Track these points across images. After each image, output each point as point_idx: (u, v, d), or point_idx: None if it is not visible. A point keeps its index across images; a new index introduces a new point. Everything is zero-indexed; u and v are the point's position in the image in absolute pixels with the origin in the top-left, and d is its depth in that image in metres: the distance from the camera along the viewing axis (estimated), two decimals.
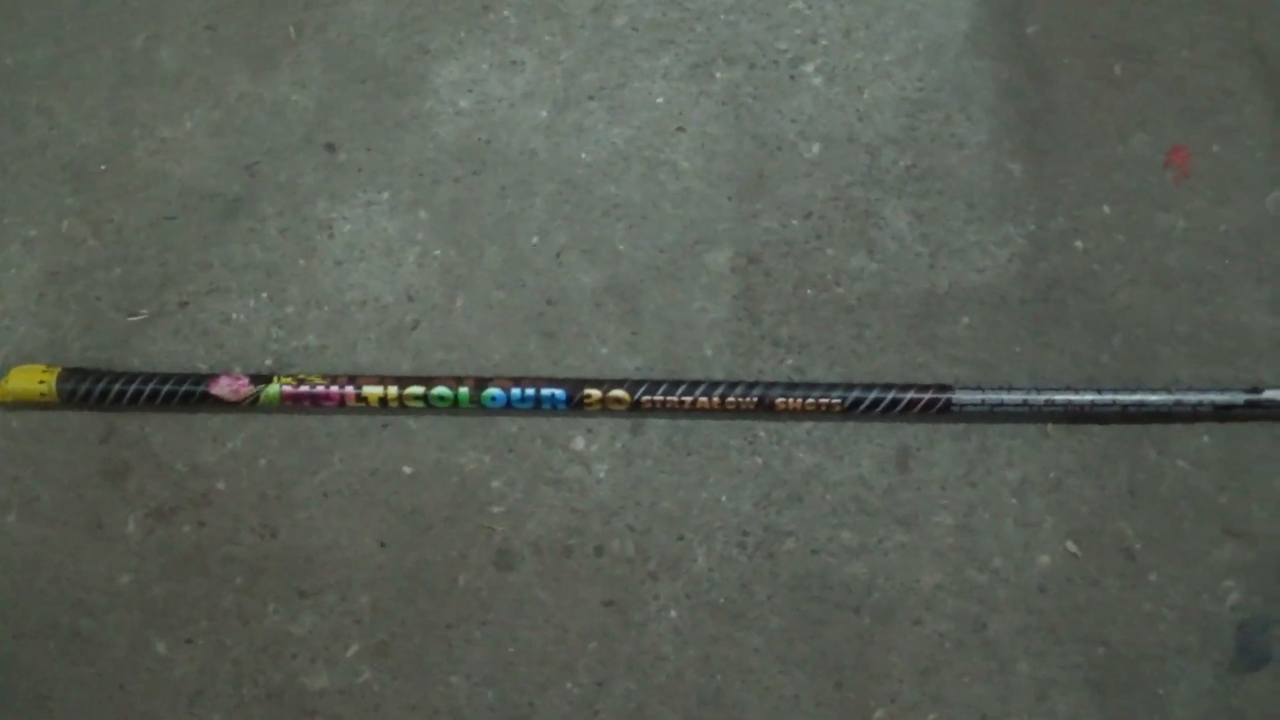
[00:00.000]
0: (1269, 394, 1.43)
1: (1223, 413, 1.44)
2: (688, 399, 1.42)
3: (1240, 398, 1.42)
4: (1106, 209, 1.52)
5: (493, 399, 1.43)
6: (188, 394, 1.44)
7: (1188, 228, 1.52)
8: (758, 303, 1.51)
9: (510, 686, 1.42)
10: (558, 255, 1.53)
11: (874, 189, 1.53)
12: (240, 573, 1.44)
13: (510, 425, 1.47)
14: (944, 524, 1.45)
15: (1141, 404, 1.42)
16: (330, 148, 1.56)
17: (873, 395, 1.42)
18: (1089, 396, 1.42)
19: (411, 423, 1.47)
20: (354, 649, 1.42)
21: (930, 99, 1.56)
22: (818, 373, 1.48)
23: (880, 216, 1.52)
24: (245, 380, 1.43)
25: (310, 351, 1.49)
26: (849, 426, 1.47)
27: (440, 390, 1.43)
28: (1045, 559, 1.43)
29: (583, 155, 1.56)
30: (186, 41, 1.61)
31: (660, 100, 1.57)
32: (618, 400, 1.42)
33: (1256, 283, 1.49)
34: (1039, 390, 1.42)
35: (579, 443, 1.47)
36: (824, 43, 1.58)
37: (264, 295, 1.51)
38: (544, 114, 1.57)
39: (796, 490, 1.46)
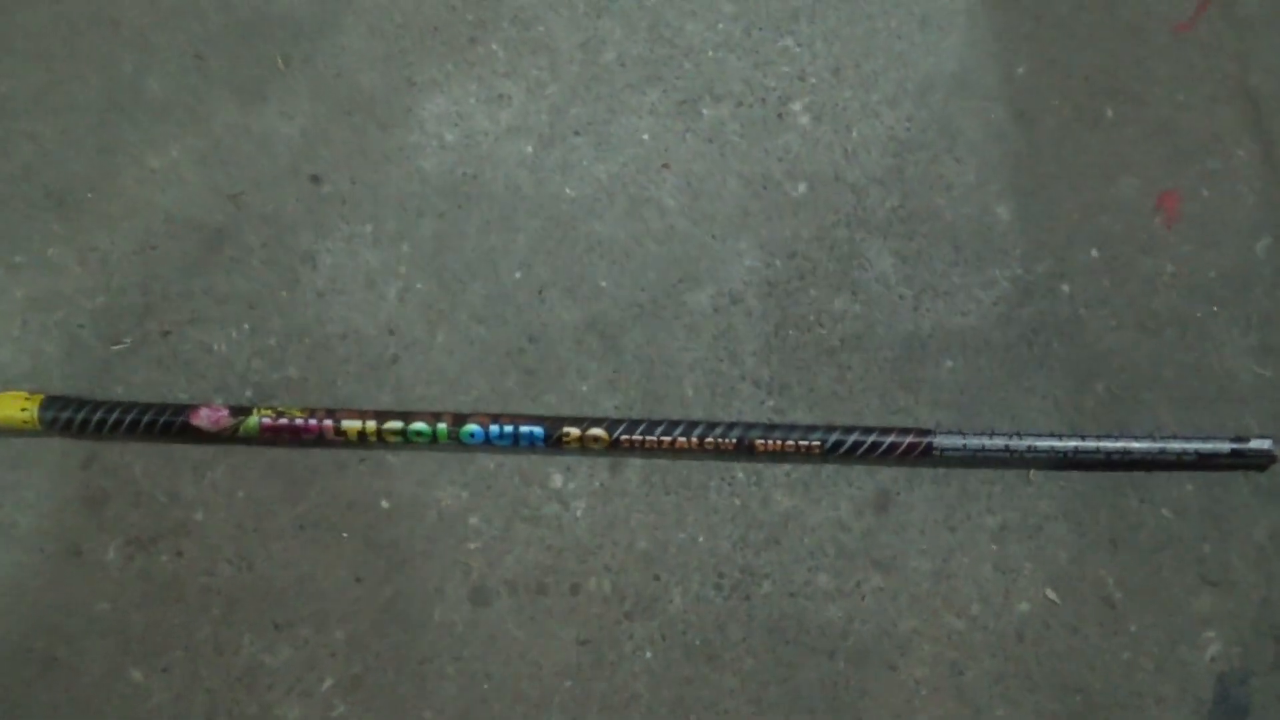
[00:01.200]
0: (1254, 444, 1.38)
1: (1207, 462, 1.39)
2: (666, 439, 1.37)
3: (1225, 447, 1.38)
4: (1094, 252, 1.47)
5: (471, 435, 1.38)
6: (168, 424, 1.39)
7: (1175, 272, 1.47)
8: (739, 343, 1.46)
9: None
10: (540, 291, 1.48)
11: (859, 229, 1.48)
12: (217, 603, 1.40)
13: (488, 461, 1.43)
14: (922, 569, 1.40)
15: (1125, 451, 1.37)
16: (315, 179, 1.51)
17: (853, 438, 1.37)
18: (1072, 443, 1.37)
19: (390, 457, 1.43)
20: (328, 682, 1.38)
21: (918, 139, 1.50)
22: (798, 414, 1.43)
23: (865, 257, 1.47)
24: (225, 412, 1.39)
25: (291, 384, 1.45)
26: (828, 469, 1.42)
27: (418, 426, 1.38)
28: (1024, 606, 1.39)
29: (567, 191, 1.51)
30: (175, 71, 1.56)
31: (646, 137, 1.52)
32: (596, 439, 1.38)
33: (1244, 329, 1.44)
34: (1021, 436, 1.37)
35: (557, 480, 1.42)
36: (812, 81, 1.53)
37: (246, 326, 1.47)
38: (529, 149, 1.52)
39: (774, 532, 1.41)
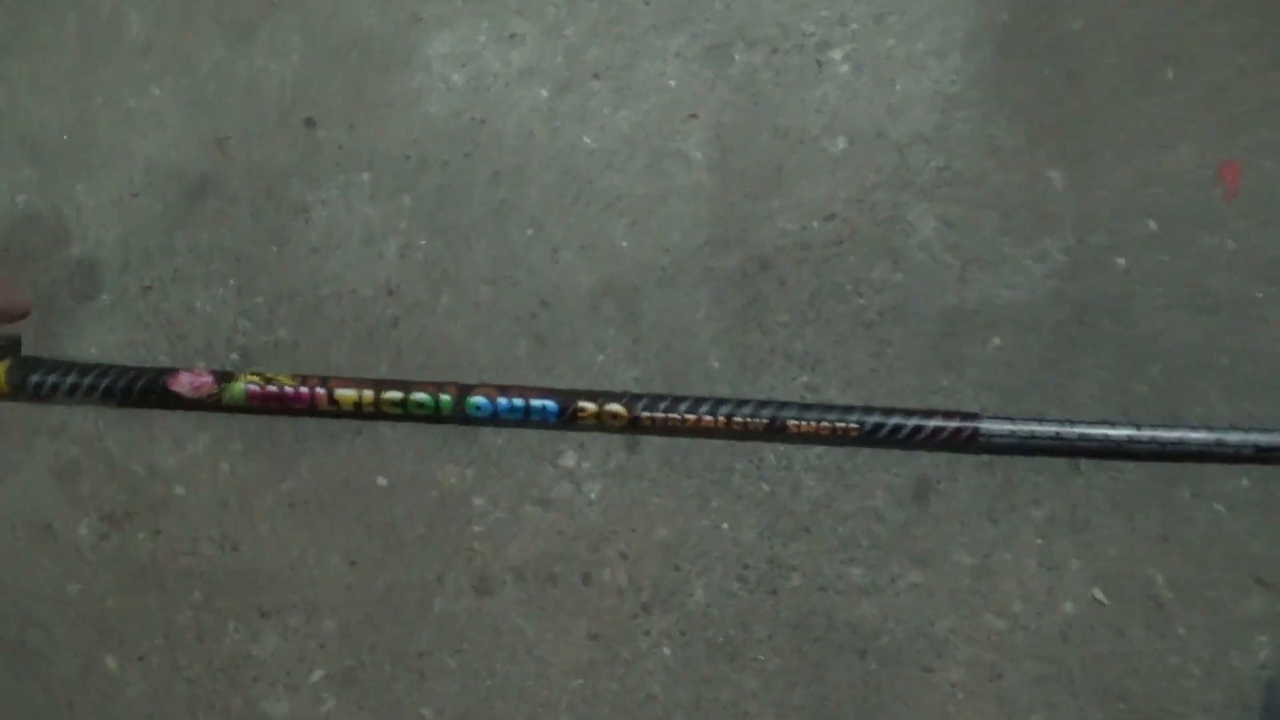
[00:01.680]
0: None
1: (1266, 455, 1.28)
2: (691, 417, 1.26)
3: None
4: (1151, 225, 1.35)
5: (477, 409, 1.26)
6: (146, 389, 1.28)
7: (1235, 249, 1.35)
8: (769, 312, 1.34)
9: None
10: (553, 251, 1.36)
11: (902, 192, 1.36)
12: (198, 587, 1.33)
13: (495, 437, 1.33)
14: (962, 564, 1.31)
15: (1180, 442, 1.26)
16: (309, 123, 1.38)
17: (893, 421, 1.26)
18: (1125, 432, 1.26)
19: (388, 431, 1.33)
20: (318, 675, 1.31)
21: (965, 95, 1.38)
22: (832, 392, 1.33)
23: (907, 223, 1.35)
24: (208, 377, 1.27)
25: (280, 347, 1.34)
26: (863, 453, 1.32)
27: (420, 396, 1.26)
28: (1069, 605, 1.30)
29: (584, 141, 1.38)
30: (156, 8, 1.43)
31: (672, 83, 1.39)
32: (614, 415, 1.26)
33: None
34: (1072, 423, 1.26)
35: (569, 459, 1.32)
36: (854, 27, 1.39)
37: (232, 284, 1.35)
38: (544, 94, 1.39)
39: (804, 521, 1.32)
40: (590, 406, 1.26)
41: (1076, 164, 1.37)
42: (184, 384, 1.27)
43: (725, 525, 1.31)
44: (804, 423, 1.25)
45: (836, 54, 1.39)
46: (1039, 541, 1.31)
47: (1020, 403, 1.32)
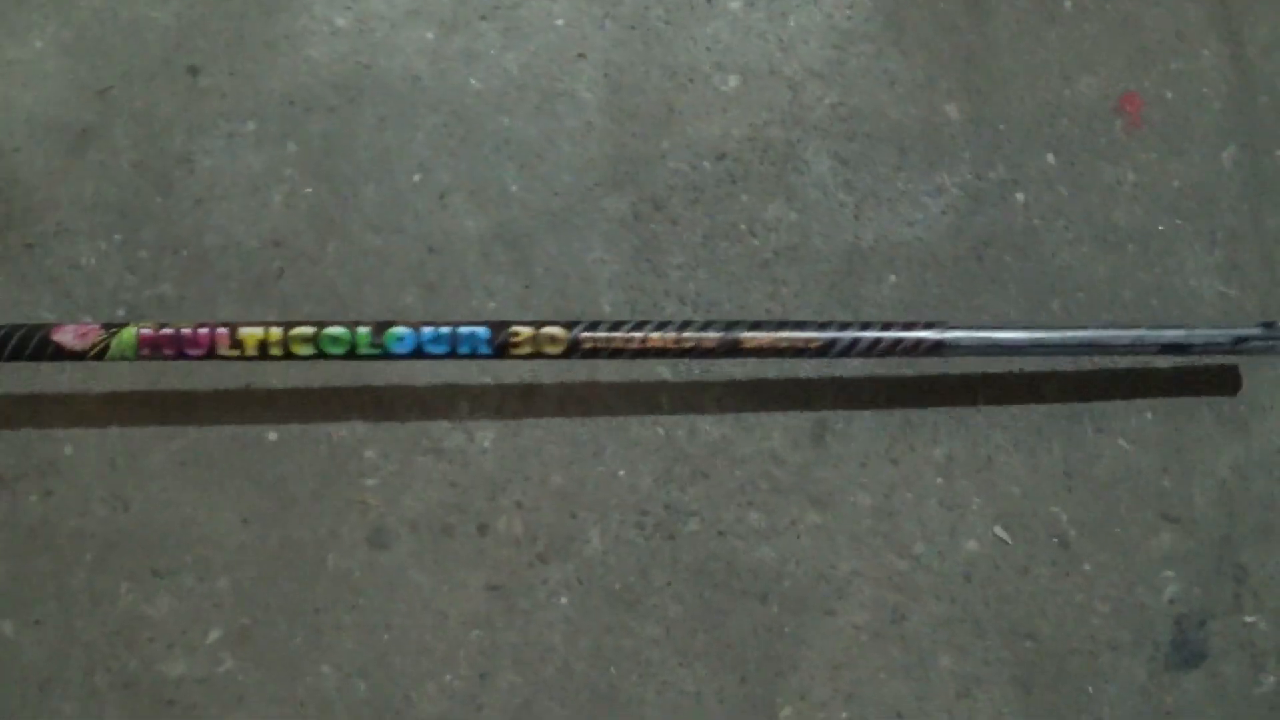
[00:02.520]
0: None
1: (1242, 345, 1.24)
2: (637, 336, 1.17)
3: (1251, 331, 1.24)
4: (1050, 158, 1.32)
5: (399, 341, 1.16)
6: (25, 342, 1.19)
7: (1137, 182, 1.32)
8: (662, 254, 1.31)
9: (384, 678, 1.25)
10: (441, 196, 1.31)
11: (795, 129, 1.32)
12: (91, 548, 1.27)
13: (384, 388, 1.26)
14: (862, 505, 1.29)
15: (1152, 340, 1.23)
16: (192, 71, 1.32)
17: (850, 334, 1.18)
18: (1087, 334, 1.22)
19: (277, 384, 1.27)
20: (214, 635, 1.26)
21: (861, 29, 1.34)
22: None
23: (801, 160, 1.31)
24: (95, 326, 1.19)
25: (166, 302, 1.29)
26: (760, 396, 1.27)
27: (334, 332, 1.16)
28: (972, 544, 1.28)
29: (472, 83, 1.33)
30: None
31: (560, 22, 1.34)
32: (552, 340, 1.16)
33: (1209, 246, 1.33)
34: (1031, 328, 1.23)
35: (462, 408, 1.27)
36: None
37: (116, 238, 1.29)
38: (429, 35, 1.34)
39: (701, 465, 1.28)
40: (525, 332, 1.16)
41: (975, 98, 1.34)
42: (69, 334, 1.21)
43: (621, 472, 1.27)
44: (761, 337, 1.17)
45: None
46: (939, 481, 1.29)
47: None
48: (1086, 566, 1.28)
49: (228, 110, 1.32)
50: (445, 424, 1.28)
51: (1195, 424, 1.30)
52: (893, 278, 1.30)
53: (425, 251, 1.29)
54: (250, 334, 1.16)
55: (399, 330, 1.16)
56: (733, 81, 1.33)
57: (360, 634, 1.25)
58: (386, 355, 1.17)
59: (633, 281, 1.29)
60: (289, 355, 1.17)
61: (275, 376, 1.28)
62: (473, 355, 1.17)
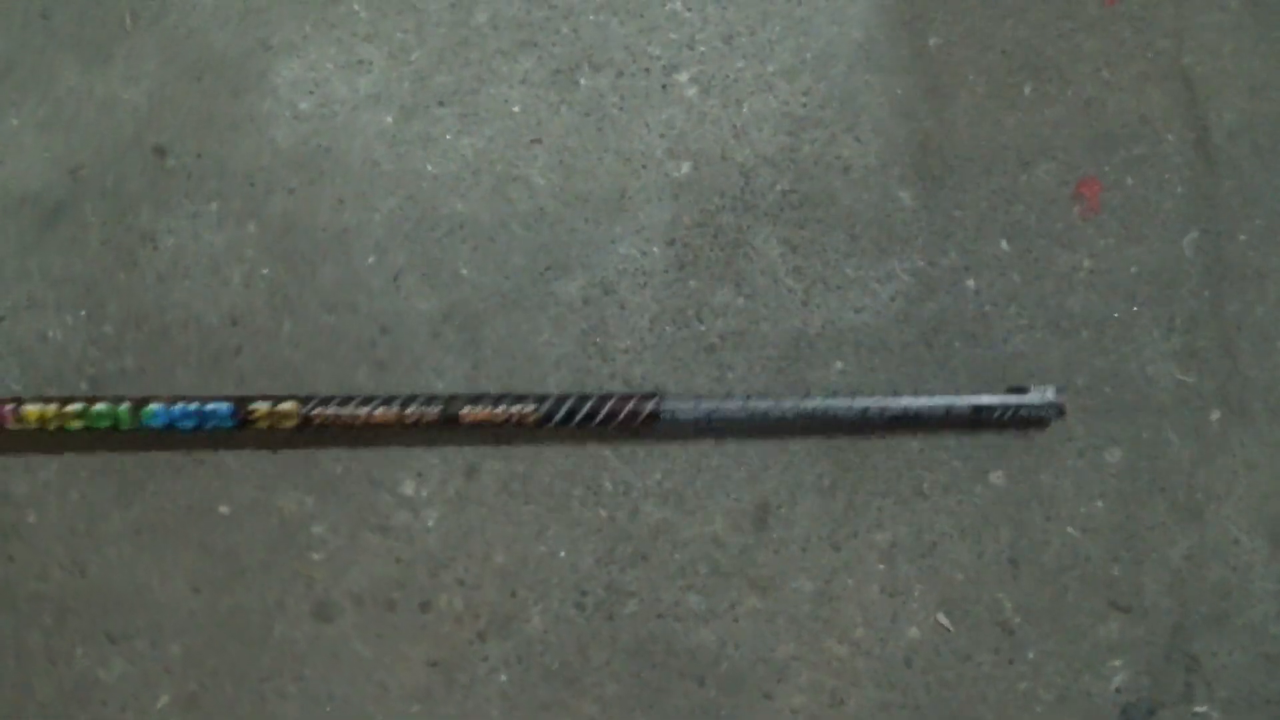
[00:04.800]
0: (1033, 396, 1.25)
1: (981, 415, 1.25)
2: (361, 411, 1.22)
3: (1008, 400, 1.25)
4: (1004, 244, 1.30)
5: (153, 416, 1.22)
6: None
7: (1093, 268, 1.30)
8: (610, 338, 1.30)
9: None
10: (395, 278, 1.31)
11: (746, 215, 1.31)
12: (48, 611, 1.29)
13: (335, 465, 1.27)
14: (803, 590, 1.27)
15: (880, 410, 1.23)
16: (159, 151, 1.33)
17: (567, 406, 1.21)
18: (818, 403, 1.23)
19: (230, 459, 1.28)
20: (164, 699, 1.27)
21: (815, 115, 1.32)
22: None
23: (751, 246, 1.30)
24: None
25: (127, 374, 1.30)
26: (703, 479, 1.27)
27: (99, 408, 1.22)
28: (913, 631, 1.25)
29: (428, 167, 1.33)
30: (19, 30, 1.37)
31: (516, 109, 1.33)
32: (285, 415, 1.22)
33: (1166, 332, 1.29)
34: (760, 397, 1.23)
35: (408, 486, 1.27)
36: (702, 49, 1.34)
37: (82, 313, 1.31)
38: (389, 120, 1.33)
39: (642, 547, 1.27)
40: (262, 407, 1.22)
41: (930, 184, 1.32)
42: None
43: (563, 551, 1.26)
44: (478, 410, 1.21)
45: (683, 76, 1.34)
46: (882, 567, 1.26)
47: None
48: (1031, 654, 1.25)
49: (192, 190, 1.33)
50: (391, 501, 1.27)
51: (1148, 512, 1.27)
52: (839, 363, 1.28)
53: (378, 331, 1.30)
54: (31, 410, 1.22)
55: (153, 407, 1.22)
56: (685, 168, 1.32)
57: (304, 703, 1.25)
58: (142, 429, 1.22)
59: (579, 364, 1.29)
60: (63, 431, 1.23)
61: (229, 453, 1.29)
62: (217, 429, 1.23)
